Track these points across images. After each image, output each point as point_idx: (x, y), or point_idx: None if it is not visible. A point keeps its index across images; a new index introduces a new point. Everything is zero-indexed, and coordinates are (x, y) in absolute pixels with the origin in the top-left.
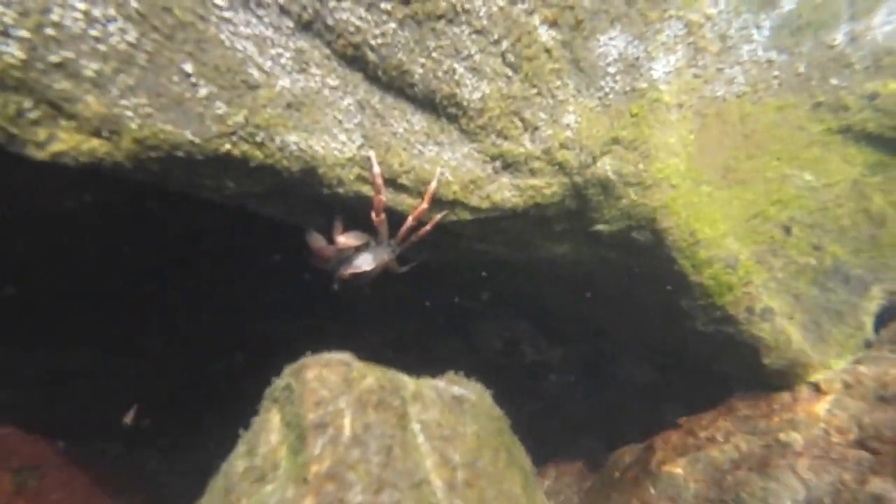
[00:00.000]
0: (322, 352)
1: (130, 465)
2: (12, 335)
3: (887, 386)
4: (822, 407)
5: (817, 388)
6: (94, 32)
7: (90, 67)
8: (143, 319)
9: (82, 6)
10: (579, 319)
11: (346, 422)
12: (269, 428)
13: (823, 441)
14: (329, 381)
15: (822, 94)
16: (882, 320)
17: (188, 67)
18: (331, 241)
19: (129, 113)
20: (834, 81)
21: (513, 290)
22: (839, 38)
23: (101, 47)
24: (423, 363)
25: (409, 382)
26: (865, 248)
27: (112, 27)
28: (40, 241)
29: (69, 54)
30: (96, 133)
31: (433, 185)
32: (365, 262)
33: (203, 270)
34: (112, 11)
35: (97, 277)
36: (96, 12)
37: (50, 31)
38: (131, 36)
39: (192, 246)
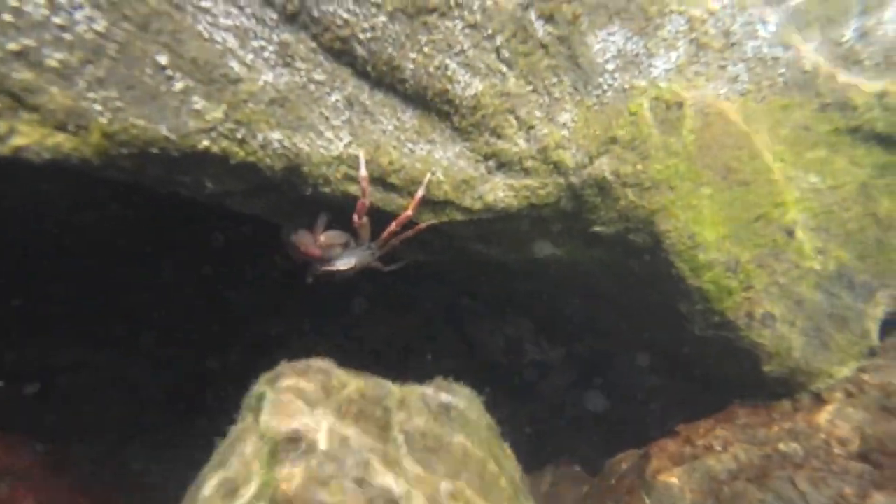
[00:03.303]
0: (309, 356)
1: (114, 465)
2: (3, 331)
3: (892, 395)
4: (823, 417)
5: (819, 397)
6: (57, 20)
7: (54, 57)
8: (137, 316)
9: None
10: (581, 320)
11: (322, 436)
12: (244, 438)
13: (824, 452)
14: (306, 390)
15: (829, 93)
16: (887, 328)
17: (163, 59)
18: (313, 237)
19: (98, 106)
20: (842, 79)
21: (510, 289)
22: (848, 34)
23: (67, 36)
24: (421, 364)
25: (394, 390)
26: (872, 252)
27: (78, 15)
28: (35, 237)
29: (30, 42)
30: (62, 127)
31: (420, 192)
32: (342, 263)
33: (200, 269)
34: None
35: (93, 274)
36: None
37: (7, 17)
38: (100, 25)
39: (190, 244)
